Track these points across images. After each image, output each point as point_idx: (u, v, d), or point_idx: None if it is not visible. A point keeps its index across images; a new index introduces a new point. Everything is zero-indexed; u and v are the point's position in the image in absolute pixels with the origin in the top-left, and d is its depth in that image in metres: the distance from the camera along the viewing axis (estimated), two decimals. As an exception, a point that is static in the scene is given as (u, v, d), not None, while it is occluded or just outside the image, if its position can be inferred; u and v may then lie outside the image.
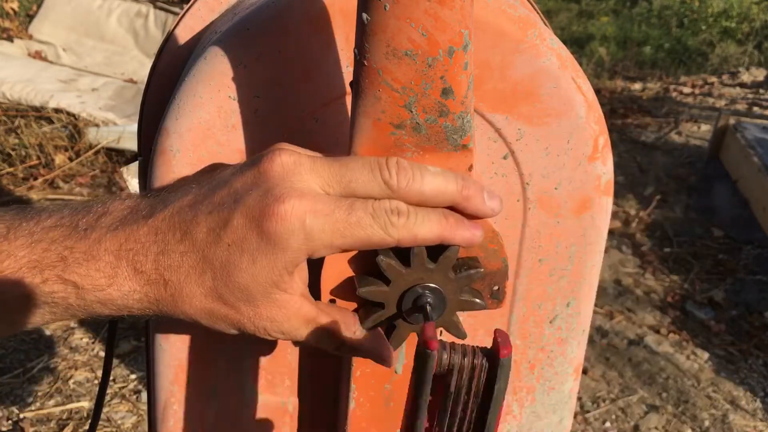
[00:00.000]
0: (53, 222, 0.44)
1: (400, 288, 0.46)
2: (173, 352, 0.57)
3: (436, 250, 0.46)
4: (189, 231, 0.43)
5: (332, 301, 0.48)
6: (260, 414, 0.60)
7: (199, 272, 0.43)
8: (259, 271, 0.42)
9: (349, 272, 0.47)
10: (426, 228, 0.44)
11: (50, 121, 3.11)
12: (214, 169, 0.51)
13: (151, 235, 0.43)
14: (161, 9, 3.86)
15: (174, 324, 0.57)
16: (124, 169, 0.63)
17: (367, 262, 0.46)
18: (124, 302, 0.44)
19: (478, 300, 0.47)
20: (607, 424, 1.97)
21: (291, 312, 0.45)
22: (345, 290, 0.48)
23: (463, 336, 0.48)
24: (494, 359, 0.40)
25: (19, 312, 0.43)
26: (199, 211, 0.43)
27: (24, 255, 0.42)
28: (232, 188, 0.43)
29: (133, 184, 0.62)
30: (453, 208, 0.45)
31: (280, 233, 0.41)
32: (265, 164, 0.42)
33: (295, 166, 0.43)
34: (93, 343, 2.09)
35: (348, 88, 0.51)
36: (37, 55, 3.74)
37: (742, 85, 4.80)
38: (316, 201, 0.42)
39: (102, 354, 2.05)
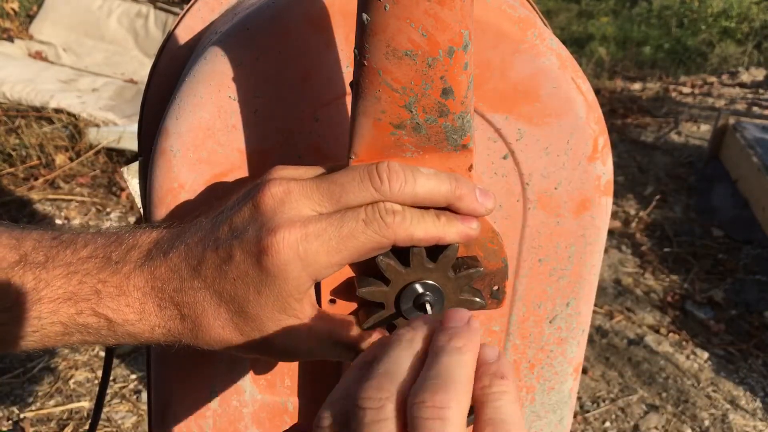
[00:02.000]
0: (88, 252, 0.46)
1: (399, 288, 0.46)
2: (173, 353, 0.57)
3: (436, 250, 0.46)
4: (199, 268, 0.45)
5: (332, 302, 0.48)
6: (260, 414, 0.60)
7: (214, 306, 0.45)
8: (266, 302, 0.44)
9: (349, 273, 0.47)
10: (422, 228, 0.44)
11: (50, 122, 3.11)
12: (221, 191, 0.52)
13: (168, 272, 0.45)
14: (161, 9, 3.85)
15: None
16: (124, 169, 0.63)
17: (367, 262, 0.46)
18: (150, 336, 0.46)
19: (477, 299, 0.47)
20: (607, 424, 1.97)
21: (303, 337, 0.46)
22: (345, 291, 0.48)
23: None
24: None
25: (53, 338, 0.46)
26: (207, 247, 0.45)
27: (61, 285, 0.44)
28: (233, 224, 0.44)
29: (134, 184, 0.62)
30: (447, 209, 0.45)
31: (277, 265, 0.43)
32: (258, 197, 0.44)
33: (285, 195, 0.44)
34: (93, 343, 2.09)
35: (348, 88, 0.51)
36: (38, 56, 3.74)
37: (742, 85, 4.80)
38: (307, 225, 0.43)
39: (102, 354, 2.05)
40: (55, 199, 2.73)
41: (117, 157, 3.01)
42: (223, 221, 0.45)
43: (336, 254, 0.43)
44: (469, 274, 0.46)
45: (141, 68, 3.74)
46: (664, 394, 2.08)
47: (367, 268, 0.47)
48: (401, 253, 0.45)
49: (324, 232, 0.43)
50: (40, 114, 3.14)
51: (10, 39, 3.79)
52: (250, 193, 0.45)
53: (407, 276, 0.46)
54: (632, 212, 3.05)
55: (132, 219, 2.66)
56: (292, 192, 0.44)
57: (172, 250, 0.45)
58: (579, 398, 2.04)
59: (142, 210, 0.57)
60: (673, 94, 4.60)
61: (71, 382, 1.95)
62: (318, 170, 0.46)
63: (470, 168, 0.46)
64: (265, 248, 0.42)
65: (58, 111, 3.14)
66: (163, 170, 0.52)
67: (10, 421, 1.82)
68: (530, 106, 0.52)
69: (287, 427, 0.60)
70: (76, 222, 2.61)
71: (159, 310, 0.45)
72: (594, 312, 2.29)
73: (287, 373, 0.59)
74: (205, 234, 0.45)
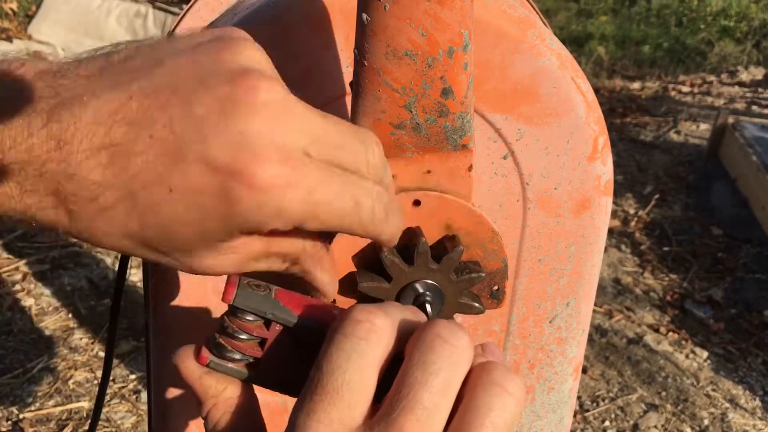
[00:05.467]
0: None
1: (401, 286, 0.46)
2: (173, 352, 0.57)
3: (440, 251, 0.46)
4: (119, 147, 0.32)
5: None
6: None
7: (122, 212, 0.33)
8: (209, 232, 0.34)
9: (350, 267, 0.47)
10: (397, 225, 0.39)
11: (49, 121, 3.11)
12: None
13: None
14: (160, 9, 3.85)
15: (174, 324, 0.57)
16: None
17: (369, 257, 0.46)
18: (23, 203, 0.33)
19: (476, 304, 0.48)
20: (607, 423, 1.97)
21: (240, 259, 0.37)
22: (344, 285, 0.48)
23: None
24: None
25: None
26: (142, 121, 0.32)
27: None
28: (189, 109, 0.32)
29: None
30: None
31: (248, 203, 0.32)
32: (242, 92, 0.32)
33: (282, 108, 0.33)
34: (92, 343, 2.09)
35: (348, 88, 0.51)
36: (37, 56, 3.74)
37: (741, 83, 4.80)
38: (302, 170, 0.33)
39: (101, 354, 2.05)
40: (54, 199, 2.73)
41: (116, 156, 3.00)
42: (166, 88, 0.32)
43: (313, 220, 0.34)
44: (470, 278, 0.46)
45: (140, 68, 3.73)
46: (663, 393, 2.08)
47: (368, 264, 0.47)
48: (405, 251, 0.46)
49: (318, 190, 0.33)
50: (39, 114, 3.14)
51: (9, 39, 3.79)
52: (226, 75, 0.32)
53: (409, 275, 0.46)
54: (631, 211, 3.05)
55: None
56: (294, 111, 0.33)
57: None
58: (578, 397, 2.04)
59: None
60: (673, 93, 4.60)
61: (70, 382, 1.95)
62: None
63: (470, 168, 0.46)
64: (243, 176, 0.31)
65: (57, 111, 3.14)
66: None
67: (10, 422, 1.82)
68: (530, 106, 0.52)
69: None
70: (76, 222, 2.61)
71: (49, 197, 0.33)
72: (593, 311, 2.29)
73: (287, 373, 0.59)
74: (125, 95, 0.32)
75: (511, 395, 0.31)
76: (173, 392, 0.59)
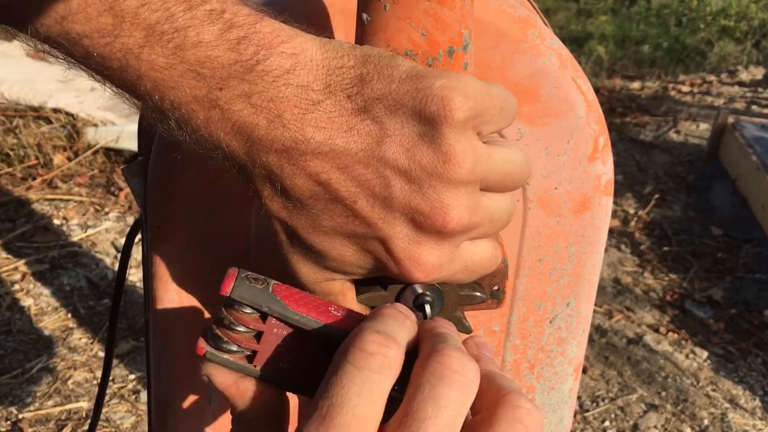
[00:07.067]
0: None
1: (398, 290, 0.46)
2: (173, 352, 0.57)
3: None
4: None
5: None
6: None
7: (299, 253, 0.40)
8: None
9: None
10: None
11: (49, 121, 3.11)
12: (221, 189, 0.45)
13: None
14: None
15: (173, 324, 0.56)
16: (123, 169, 0.63)
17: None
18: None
19: (478, 293, 0.47)
20: (607, 423, 1.97)
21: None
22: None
23: (468, 330, 0.48)
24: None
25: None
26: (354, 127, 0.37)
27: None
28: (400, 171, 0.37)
29: (134, 184, 0.62)
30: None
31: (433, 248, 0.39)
32: (449, 156, 0.37)
33: (474, 167, 0.37)
34: (92, 343, 2.09)
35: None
36: (36, 55, 3.74)
37: (741, 83, 4.80)
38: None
39: (101, 354, 2.05)
40: (53, 199, 2.73)
41: (115, 156, 3.00)
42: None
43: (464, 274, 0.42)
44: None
45: (139, 68, 3.73)
46: (663, 393, 2.08)
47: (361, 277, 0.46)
48: None
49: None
50: (38, 114, 3.14)
51: (9, 38, 3.79)
52: (435, 139, 0.37)
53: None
54: (631, 211, 3.05)
55: (131, 219, 2.66)
56: (481, 161, 0.38)
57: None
58: (578, 397, 2.04)
59: (141, 210, 0.57)
60: (672, 93, 4.60)
61: (70, 382, 1.95)
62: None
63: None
64: (436, 222, 0.37)
65: (56, 111, 3.14)
66: (163, 170, 0.52)
67: (9, 422, 1.82)
68: (530, 105, 0.51)
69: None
70: (75, 222, 2.61)
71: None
72: (593, 311, 2.29)
73: (287, 373, 0.59)
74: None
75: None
76: (173, 392, 0.59)
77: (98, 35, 0.34)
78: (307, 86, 0.36)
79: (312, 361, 0.38)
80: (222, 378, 0.38)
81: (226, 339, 0.37)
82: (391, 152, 0.37)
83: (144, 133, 0.65)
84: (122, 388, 1.95)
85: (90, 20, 0.34)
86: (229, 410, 0.59)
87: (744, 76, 4.94)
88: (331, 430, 0.31)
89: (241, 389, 0.38)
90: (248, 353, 0.38)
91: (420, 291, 0.46)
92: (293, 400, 0.40)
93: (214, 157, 0.38)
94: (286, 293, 0.37)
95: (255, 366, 0.38)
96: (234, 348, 0.37)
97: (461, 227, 0.38)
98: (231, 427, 0.39)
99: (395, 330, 0.34)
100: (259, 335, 0.37)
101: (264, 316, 0.37)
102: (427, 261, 0.39)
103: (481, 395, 0.33)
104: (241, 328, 0.37)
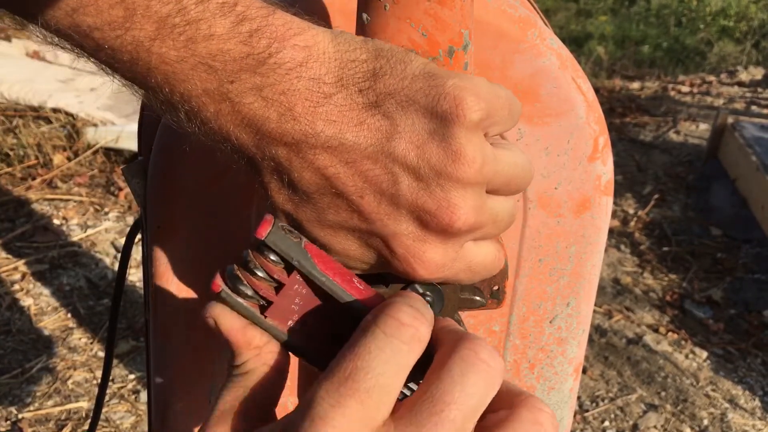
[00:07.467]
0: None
1: (398, 289, 0.46)
2: (173, 352, 0.57)
3: None
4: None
5: None
6: (260, 414, 0.60)
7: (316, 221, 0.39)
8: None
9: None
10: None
11: (48, 121, 3.11)
12: (222, 189, 0.45)
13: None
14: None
15: (174, 324, 0.56)
16: (123, 169, 0.63)
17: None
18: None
19: (478, 297, 0.47)
20: (606, 423, 1.97)
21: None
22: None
23: None
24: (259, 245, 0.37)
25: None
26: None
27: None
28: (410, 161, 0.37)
29: (134, 184, 0.62)
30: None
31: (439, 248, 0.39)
32: (459, 155, 0.37)
33: (482, 167, 0.37)
34: (92, 343, 2.09)
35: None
36: (36, 55, 3.74)
37: (741, 83, 4.81)
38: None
39: (101, 354, 2.05)
40: (52, 199, 2.73)
41: (115, 156, 3.00)
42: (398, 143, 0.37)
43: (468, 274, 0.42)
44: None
45: (139, 68, 3.73)
46: (663, 393, 2.08)
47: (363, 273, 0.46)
48: None
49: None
50: (38, 114, 3.14)
51: (8, 38, 3.79)
52: (446, 136, 0.37)
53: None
54: (631, 211, 3.05)
55: (131, 219, 2.66)
56: (487, 165, 0.38)
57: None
58: (578, 397, 2.04)
59: (141, 210, 0.57)
60: (672, 93, 4.60)
61: (69, 382, 1.95)
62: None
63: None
64: (444, 224, 0.38)
65: (56, 110, 3.14)
66: (163, 170, 0.52)
67: (9, 422, 1.82)
68: (530, 105, 0.51)
69: None
70: (74, 222, 2.61)
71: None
72: (593, 311, 2.29)
73: (287, 373, 0.59)
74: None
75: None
76: (173, 392, 0.59)
77: (109, 28, 0.34)
78: (319, 79, 0.36)
79: (326, 328, 0.37)
80: (229, 322, 0.37)
81: (245, 282, 0.36)
82: (400, 149, 0.36)
83: (144, 133, 0.65)
84: (122, 388, 1.95)
85: (101, 12, 0.34)
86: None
87: (743, 76, 4.94)
88: (352, 393, 0.30)
89: (247, 337, 0.37)
90: (263, 303, 0.37)
91: (421, 291, 0.46)
92: (293, 360, 0.39)
93: (223, 149, 0.38)
94: (317, 253, 0.37)
95: (266, 317, 0.37)
96: (250, 293, 0.36)
97: (467, 227, 0.38)
98: (226, 374, 0.38)
99: (425, 310, 0.34)
100: (279, 288, 0.36)
101: (290, 270, 0.36)
102: (431, 259, 0.39)
103: (498, 395, 0.33)
104: (263, 275, 0.36)
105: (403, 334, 0.32)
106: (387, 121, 0.36)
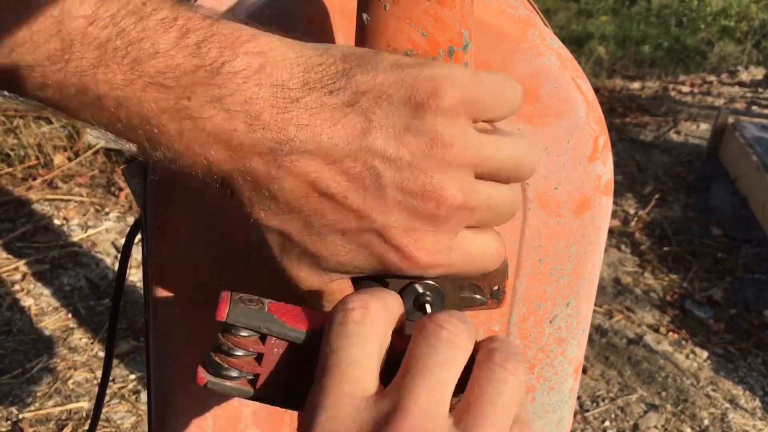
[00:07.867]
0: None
1: (397, 288, 0.46)
2: (173, 352, 0.57)
3: None
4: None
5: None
6: (260, 414, 0.60)
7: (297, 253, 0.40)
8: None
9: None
10: None
11: (49, 121, 3.11)
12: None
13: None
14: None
15: (174, 323, 0.56)
16: (123, 169, 0.63)
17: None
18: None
19: (478, 296, 0.47)
20: (607, 423, 1.97)
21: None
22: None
23: None
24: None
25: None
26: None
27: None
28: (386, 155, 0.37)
29: (134, 184, 0.62)
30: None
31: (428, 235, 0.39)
32: (437, 141, 0.37)
33: (464, 151, 0.37)
34: (92, 343, 2.09)
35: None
36: (36, 55, 3.74)
37: (741, 83, 4.80)
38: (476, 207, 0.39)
39: (101, 354, 2.05)
40: (53, 199, 2.73)
41: (116, 156, 3.00)
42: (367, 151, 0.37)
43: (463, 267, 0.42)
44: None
45: (140, 68, 3.73)
46: (663, 393, 2.08)
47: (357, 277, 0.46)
48: None
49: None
50: (39, 114, 3.14)
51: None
52: (422, 127, 0.37)
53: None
54: (631, 211, 3.05)
55: (131, 219, 2.66)
56: (471, 147, 0.38)
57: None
58: (578, 397, 2.04)
59: (141, 210, 0.57)
60: (673, 93, 4.60)
61: (70, 382, 1.95)
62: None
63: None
64: (431, 206, 0.38)
65: (56, 111, 3.13)
66: (163, 169, 0.52)
67: (9, 422, 1.82)
68: (530, 105, 0.51)
69: (287, 428, 0.60)
70: (75, 222, 2.61)
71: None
72: (593, 311, 2.29)
73: (287, 373, 0.59)
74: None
75: (512, 374, 0.34)
76: (173, 392, 0.59)
77: (49, 62, 0.33)
78: (282, 85, 0.35)
79: (309, 372, 0.37)
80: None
81: (226, 366, 0.36)
82: (379, 142, 0.36)
83: (144, 133, 0.65)
84: (122, 388, 1.95)
85: (38, 48, 0.33)
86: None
87: (744, 76, 4.94)
88: (332, 376, 0.33)
89: None
90: (251, 377, 0.36)
91: (420, 291, 0.46)
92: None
93: (194, 175, 0.37)
94: (282, 311, 0.36)
95: (259, 389, 0.37)
96: (235, 374, 0.36)
97: (455, 207, 0.38)
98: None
99: (375, 291, 0.37)
100: (259, 357, 0.36)
101: (263, 338, 0.36)
102: (424, 247, 0.39)
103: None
104: (240, 353, 0.36)
105: (354, 316, 0.34)
106: (362, 118, 0.36)
